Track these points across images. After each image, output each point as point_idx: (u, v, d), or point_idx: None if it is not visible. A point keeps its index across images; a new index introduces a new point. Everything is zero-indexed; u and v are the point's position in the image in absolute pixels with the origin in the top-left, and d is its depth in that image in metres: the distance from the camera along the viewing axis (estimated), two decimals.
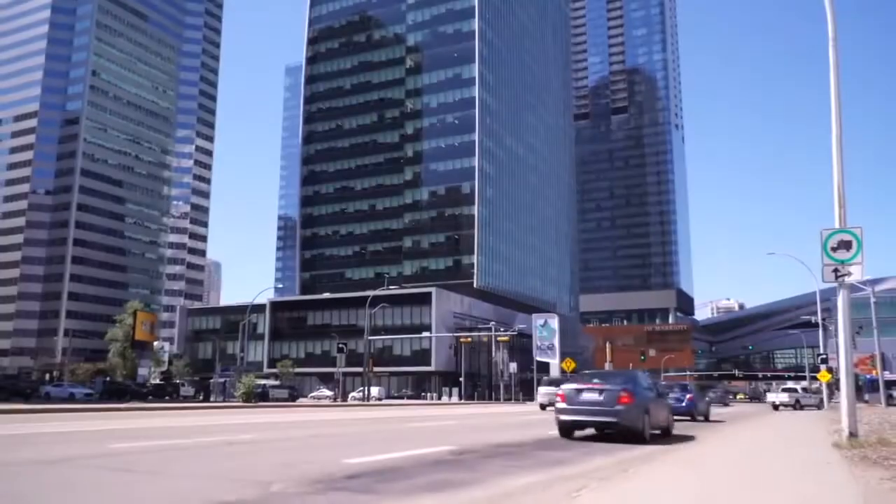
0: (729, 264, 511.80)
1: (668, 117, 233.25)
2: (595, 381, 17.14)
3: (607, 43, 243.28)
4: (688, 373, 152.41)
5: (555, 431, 17.37)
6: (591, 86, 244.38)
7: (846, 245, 14.94)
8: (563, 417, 16.85)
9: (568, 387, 17.09)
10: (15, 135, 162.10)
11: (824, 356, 64.08)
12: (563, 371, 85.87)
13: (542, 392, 44.89)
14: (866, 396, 65.01)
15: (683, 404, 29.98)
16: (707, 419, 31.57)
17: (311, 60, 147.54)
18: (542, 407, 42.60)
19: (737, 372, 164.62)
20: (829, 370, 60.70)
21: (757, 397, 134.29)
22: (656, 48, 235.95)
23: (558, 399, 17.13)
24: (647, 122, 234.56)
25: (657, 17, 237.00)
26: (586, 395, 16.61)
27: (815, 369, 71.67)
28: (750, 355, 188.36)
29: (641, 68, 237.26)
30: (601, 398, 16.38)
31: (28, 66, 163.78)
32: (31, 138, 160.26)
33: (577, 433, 17.47)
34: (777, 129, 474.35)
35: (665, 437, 18.15)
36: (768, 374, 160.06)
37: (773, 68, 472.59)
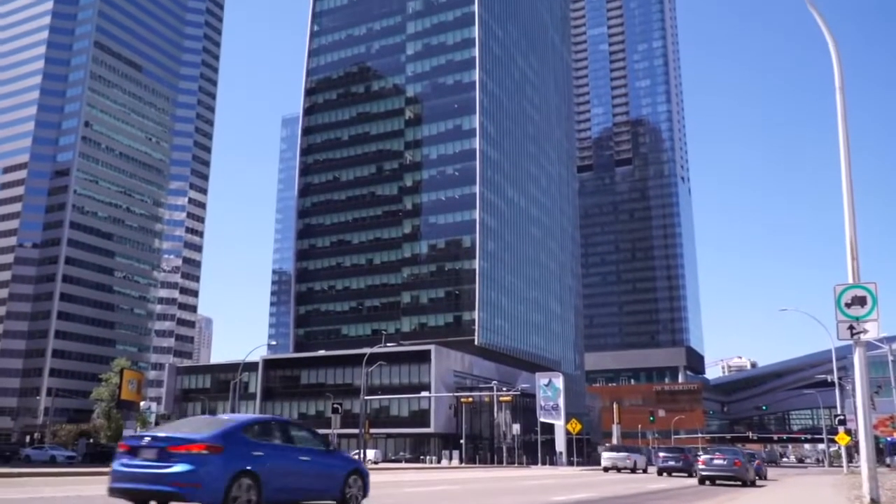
0: (740, 321, 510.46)
1: (674, 169, 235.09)
2: (718, 452, 33.55)
3: (610, 94, 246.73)
4: (699, 434, 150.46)
5: (663, 485, 29.32)
6: (594, 137, 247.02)
7: (861, 301, 14.80)
8: (704, 473, 32.48)
9: (705, 456, 33.32)
10: (3, 186, 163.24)
11: (842, 417, 63.30)
12: (568, 433, 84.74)
13: (606, 457, 54.45)
14: (887, 460, 64.01)
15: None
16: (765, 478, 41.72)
17: (309, 111, 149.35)
18: (606, 470, 52.49)
19: (751, 434, 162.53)
20: (848, 432, 59.88)
21: (773, 460, 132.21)
22: (660, 99, 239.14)
23: (699, 463, 33.67)
24: (652, 175, 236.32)
25: (661, 68, 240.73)
26: (716, 461, 32.38)
27: (833, 431, 70.69)
28: (764, 416, 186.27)
29: (645, 119, 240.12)
30: (724, 462, 32.32)
31: (19, 116, 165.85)
32: (19, 190, 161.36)
33: (708, 483, 32.08)
34: (787, 178, 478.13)
35: (758, 482, 34.71)
36: (784, 436, 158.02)
37: (781, 117, 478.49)
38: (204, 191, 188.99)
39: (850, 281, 14.92)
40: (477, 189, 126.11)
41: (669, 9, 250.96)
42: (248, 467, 11.75)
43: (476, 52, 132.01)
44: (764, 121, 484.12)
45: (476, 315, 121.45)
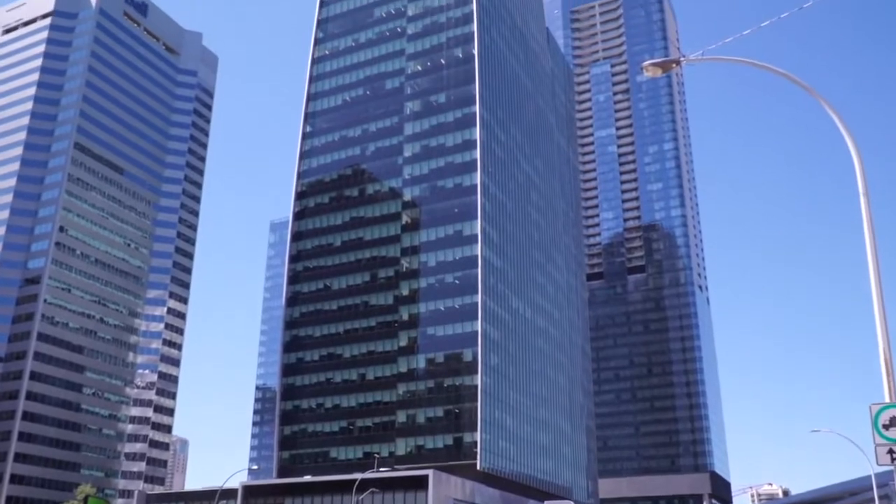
0: (768, 444, 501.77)
1: (691, 277, 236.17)
2: None
3: (620, 198, 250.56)
4: None
5: None
6: (604, 243, 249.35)
7: None
8: None
9: None
10: None
11: None
12: None
13: None
14: None
15: None
16: None
17: (299, 215, 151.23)
18: None
19: None
20: None
21: None
22: (674, 203, 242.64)
23: None
24: (667, 283, 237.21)
25: (673, 170, 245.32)
26: None
27: None
28: None
29: (659, 224, 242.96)
30: None
31: None
32: None
33: None
34: (812, 285, 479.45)
35: None
36: None
37: (803, 218, 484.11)
38: (184, 300, 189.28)
39: (887, 400, 14.76)
40: (479, 299, 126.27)
41: (680, 109, 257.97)
42: None
43: (477, 153, 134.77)
44: (786, 224, 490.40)
45: (478, 436, 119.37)
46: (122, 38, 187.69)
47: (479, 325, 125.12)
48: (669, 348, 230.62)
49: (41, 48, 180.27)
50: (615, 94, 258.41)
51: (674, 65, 19.64)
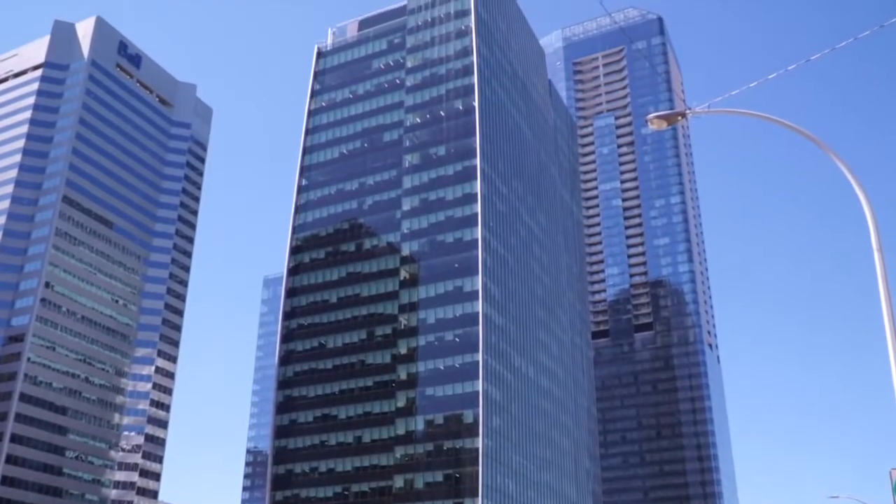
0: None
1: (700, 335, 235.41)
2: None
3: (626, 253, 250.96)
4: None
5: None
6: (609, 300, 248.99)
7: None
8: None
9: None
10: None
11: None
12: None
13: None
14: None
15: None
16: None
17: (294, 271, 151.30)
18: None
19: None
20: None
21: None
22: (681, 258, 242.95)
23: None
24: (675, 341, 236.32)
25: (680, 224, 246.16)
26: None
27: None
28: None
29: (666, 281, 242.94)
30: None
31: None
32: None
33: None
34: (828, 343, 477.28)
35: None
36: None
37: (816, 272, 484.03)
38: (173, 359, 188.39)
39: None
40: (480, 357, 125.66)
41: (687, 162, 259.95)
42: None
43: (478, 207, 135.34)
44: (798, 280, 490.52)
45: (479, 502, 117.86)
46: (115, 90, 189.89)
47: (480, 386, 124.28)
48: (679, 409, 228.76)
49: (31, 100, 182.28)
50: (619, 146, 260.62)
51: (679, 118, 19.89)
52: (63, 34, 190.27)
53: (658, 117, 19.91)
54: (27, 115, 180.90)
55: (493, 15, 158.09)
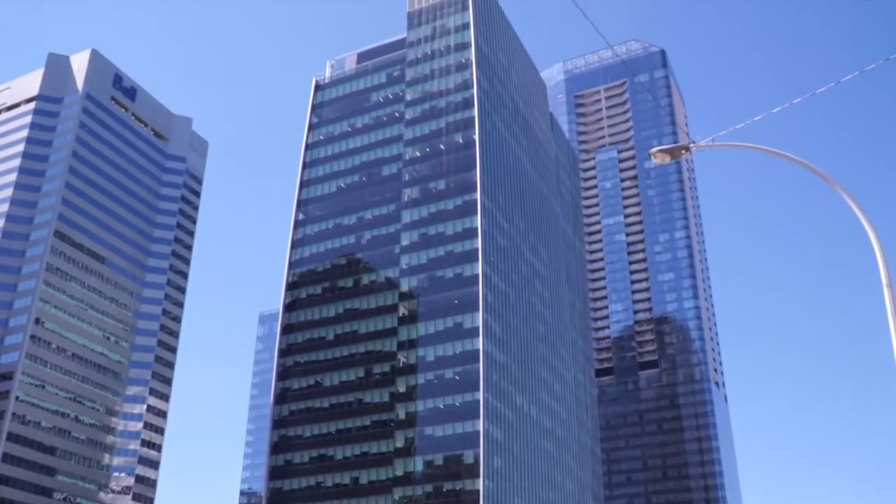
0: None
1: (707, 373, 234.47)
2: None
3: (630, 288, 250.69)
4: None
5: None
6: (613, 337, 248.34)
7: None
8: None
9: None
10: None
11: None
12: None
13: None
14: None
15: None
16: None
17: (290, 307, 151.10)
18: None
19: None
20: None
21: None
22: (687, 294, 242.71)
23: None
24: (681, 379, 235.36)
25: (685, 260, 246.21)
26: None
27: None
28: None
29: (671, 317, 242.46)
30: None
31: None
32: None
33: None
34: (839, 383, 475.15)
35: None
36: None
37: (826, 308, 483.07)
38: (165, 397, 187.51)
39: None
40: (480, 396, 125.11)
41: (691, 196, 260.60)
42: None
43: (478, 242, 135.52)
44: (807, 316, 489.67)
45: None
46: (109, 123, 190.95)
47: (480, 425, 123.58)
48: (685, 450, 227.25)
49: (24, 133, 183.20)
50: (623, 180, 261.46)
51: (683, 151, 19.98)
52: (57, 67, 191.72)
53: (661, 151, 20.00)
54: (20, 148, 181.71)
55: (493, 48, 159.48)
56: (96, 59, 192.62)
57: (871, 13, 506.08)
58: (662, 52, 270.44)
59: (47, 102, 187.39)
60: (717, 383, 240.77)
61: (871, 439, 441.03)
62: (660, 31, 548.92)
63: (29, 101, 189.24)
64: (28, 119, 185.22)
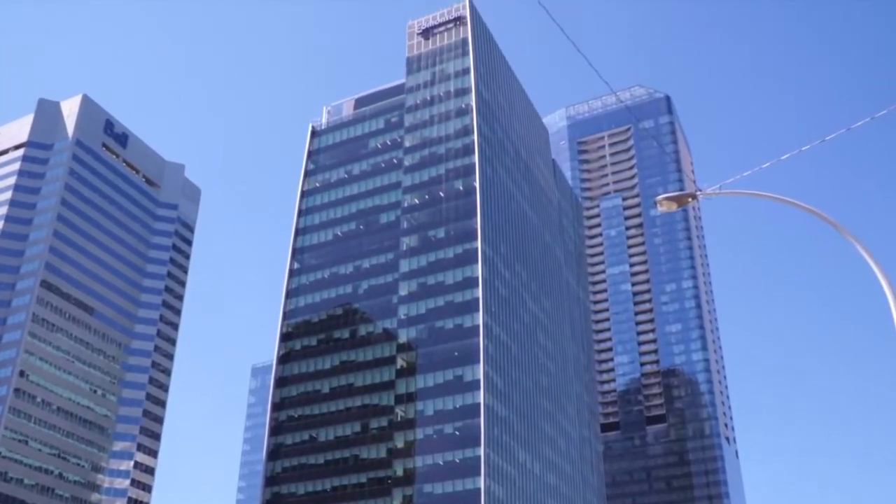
0: None
1: (717, 428, 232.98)
2: None
3: (636, 340, 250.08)
4: None
5: None
6: (619, 390, 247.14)
7: None
8: None
9: None
10: None
11: None
12: None
13: None
14: None
15: None
16: None
17: (284, 359, 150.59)
18: None
19: None
20: None
21: None
22: (695, 346, 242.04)
23: None
24: (690, 434, 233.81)
25: (693, 310, 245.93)
26: None
27: None
28: None
29: (679, 370, 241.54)
30: None
31: None
32: None
33: None
34: (853, 439, 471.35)
35: None
36: None
37: (838, 363, 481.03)
38: (154, 453, 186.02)
39: None
40: (481, 452, 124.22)
41: (699, 245, 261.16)
42: None
43: (479, 292, 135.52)
44: (819, 367, 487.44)
45: None
46: (99, 170, 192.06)
47: (481, 482, 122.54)
48: None
49: (12, 180, 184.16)
50: (628, 228, 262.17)
51: (690, 199, 20.16)
52: (47, 113, 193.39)
53: (667, 199, 20.18)
54: (7, 195, 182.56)
55: (494, 93, 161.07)
56: (87, 105, 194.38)
57: (882, 58, 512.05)
58: (667, 98, 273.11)
59: (36, 149, 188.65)
60: (727, 439, 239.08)
61: (890, 498, 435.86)
62: (665, 77, 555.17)
63: (18, 147, 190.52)
64: (17, 166, 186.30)
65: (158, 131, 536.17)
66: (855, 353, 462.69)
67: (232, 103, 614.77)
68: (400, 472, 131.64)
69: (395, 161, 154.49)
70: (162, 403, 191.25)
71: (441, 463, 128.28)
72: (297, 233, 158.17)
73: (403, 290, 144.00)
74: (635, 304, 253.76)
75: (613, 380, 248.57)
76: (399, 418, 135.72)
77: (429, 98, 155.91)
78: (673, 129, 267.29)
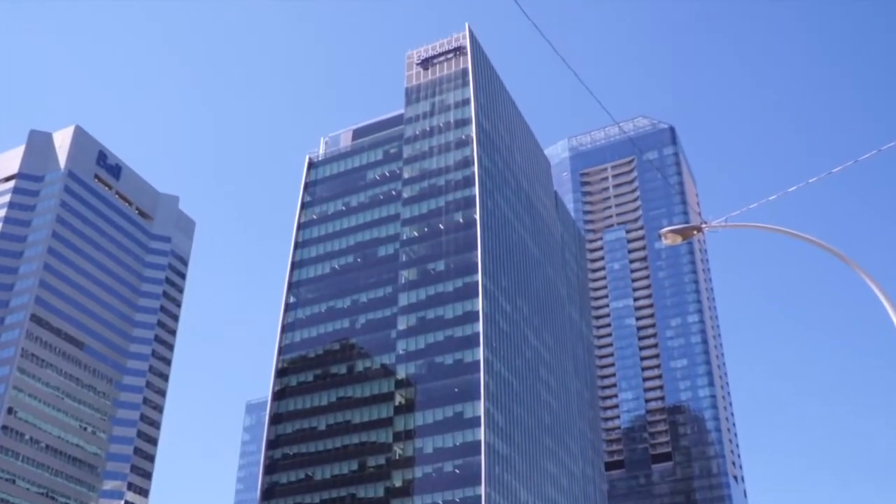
0: None
1: (724, 466, 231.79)
2: None
3: (641, 376, 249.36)
4: None
5: None
6: (624, 427, 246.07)
7: None
8: None
9: None
10: None
11: None
12: None
13: None
14: None
15: None
16: None
17: (279, 395, 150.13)
18: None
19: None
20: None
21: None
22: (701, 382, 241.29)
23: None
24: (697, 473, 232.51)
25: (699, 345, 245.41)
26: None
27: None
28: None
29: (685, 406, 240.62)
30: None
31: None
32: None
33: None
34: (867, 477, 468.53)
35: None
36: None
37: (848, 394, 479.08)
38: (145, 492, 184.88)
39: None
40: (482, 491, 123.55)
41: (704, 278, 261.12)
42: None
43: (480, 327, 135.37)
44: (829, 401, 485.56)
45: None
46: (91, 202, 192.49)
47: None
48: None
49: (2, 212, 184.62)
50: (632, 261, 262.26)
51: (695, 232, 20.28)
52: (39, 144, 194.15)
53: (672, 231, 20.29)
54: None
55: (494, 124, 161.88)
56: (79, 136, 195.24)
57: (889, 88, 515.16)
58: (671, 129, 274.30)
59: (27, 181, 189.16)
60: (735, 477, 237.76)
61: None
62: (669, 108, 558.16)
63: (8, 178, 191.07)
64: (7, 198, 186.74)
65: (152, 163, 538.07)
66: (863, 385, 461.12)
67: (227, 134, 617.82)
68: None
69: (393, 193, 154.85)
70: (153, 441, 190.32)
71: (441, 502, 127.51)
72: (294, 266, 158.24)
73: (402, 325, 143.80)
74: (640, 338, 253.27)
75: (618, 416, 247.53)
76: (397, 456, 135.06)
77: (428, 129, 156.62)
78: (677, 161, 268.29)
